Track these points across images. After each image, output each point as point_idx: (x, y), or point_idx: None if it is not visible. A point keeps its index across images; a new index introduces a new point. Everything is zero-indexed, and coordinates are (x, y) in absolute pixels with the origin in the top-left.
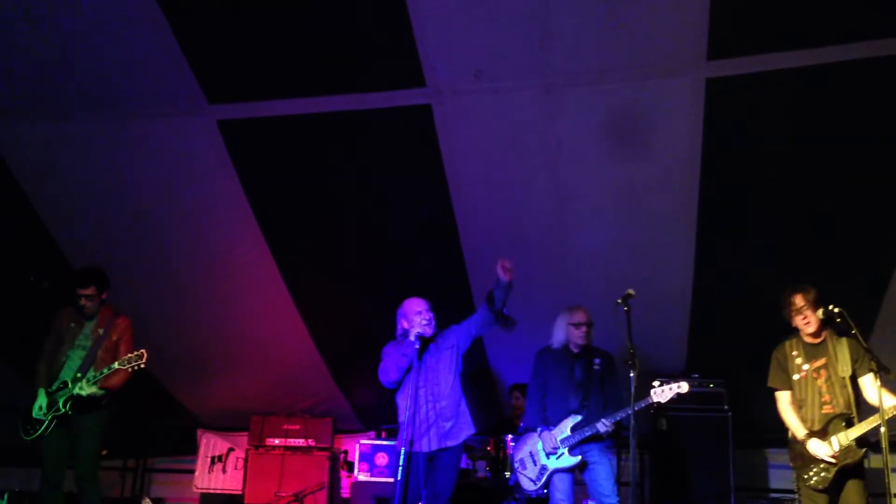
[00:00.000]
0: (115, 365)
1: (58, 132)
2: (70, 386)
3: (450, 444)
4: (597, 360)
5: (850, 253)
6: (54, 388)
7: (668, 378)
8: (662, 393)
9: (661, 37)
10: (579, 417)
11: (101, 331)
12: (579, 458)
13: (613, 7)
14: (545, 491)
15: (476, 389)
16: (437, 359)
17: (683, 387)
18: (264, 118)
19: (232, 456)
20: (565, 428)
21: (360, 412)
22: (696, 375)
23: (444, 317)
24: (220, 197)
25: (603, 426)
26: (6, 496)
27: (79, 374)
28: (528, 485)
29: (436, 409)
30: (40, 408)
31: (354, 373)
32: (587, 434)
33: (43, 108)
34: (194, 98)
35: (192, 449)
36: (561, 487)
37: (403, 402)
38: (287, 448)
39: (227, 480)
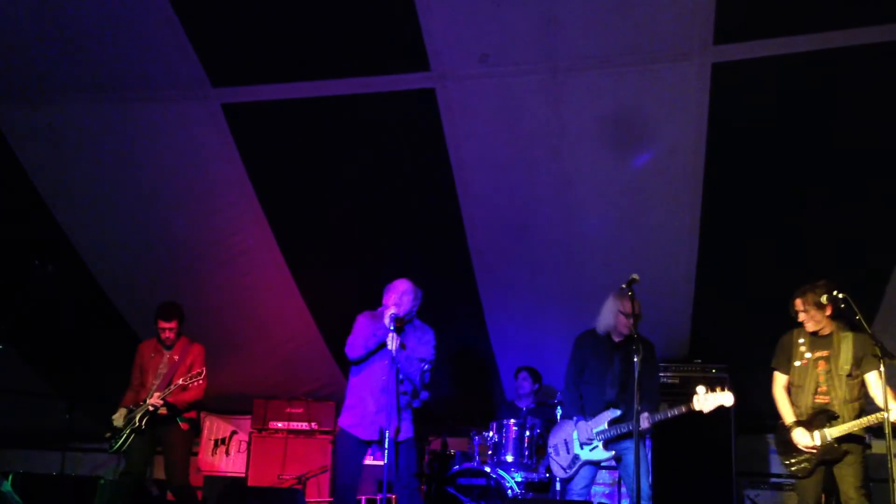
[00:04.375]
0: (179, 381)
1: (61, 116)
2: (144, 404)
3: (402, 438)
4: (635, 352)
5: (854, 241)
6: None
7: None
8: (706, 402)
9: (667, 21)
10: (618, 412)
11: (176, 358)
12: (613, 453)
13: None
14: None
15: (478, 373)
16: (411, 350)
17: (728, 399)
18: (268, 102)
19: (235, 439)
20: (602, 421)
21: None
22: (699, 361)
23: (447, 301)
24: (223, 180)
25: (642, 424)
26: (10, 478)
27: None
28: (558, 471)
29: (386, 403)
30: (118, 418)
31: None
32: (623, 431)
33: (46, 91)
34: (198, 82)
35: (196, 432)
36: (584, 476)
37: (358, 381)
38: (290, 431)
39: (230, 463)
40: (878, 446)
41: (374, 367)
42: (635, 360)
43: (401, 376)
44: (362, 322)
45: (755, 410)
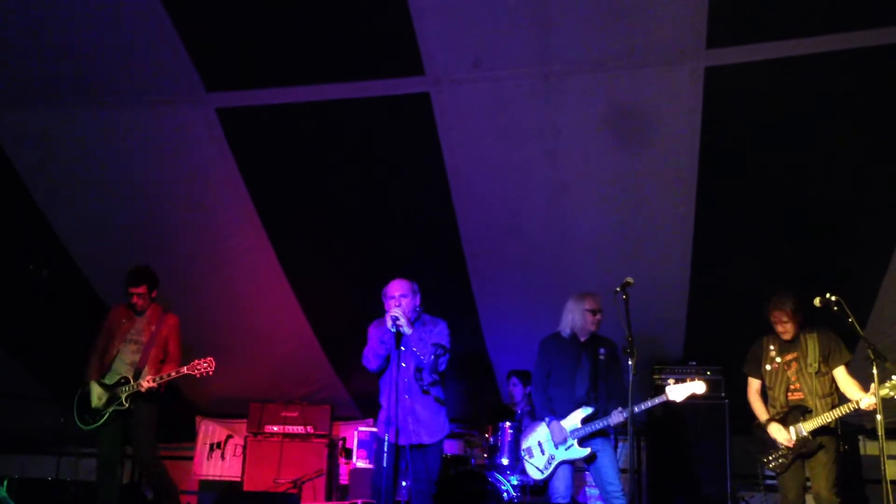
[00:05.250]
0: (184, 370)
1: (55, 120)
2: (133, 383)
3: (426, 441)
4: (602, 350)
5: (847, 244)
6: (112, 382)
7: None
8: (678, 392)
9: (661, 25)
10: (591, 410)
11: (153, 327)
12: (589, 450)
13: None
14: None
15: (474, 376)
16: (419, 349)
17: (699, 387)
18: (263, 106)
19: (231, 443)
20: (576, 419)
21: (359, 399)
22: (694, 363)
23: (443, 305)
24: (218, 185)
25: (616, 419)
26: (5, 483)
27: (138, 370)
28: (534, 473)
29: (411, 406)
30: (99, 398)
31: (352, 360)
32: (598, 427)
33: (41, 96)
34: (193, 86)
35: (191, 436)
36: (563, 476)
37: (385, 387)
38: (286, 435)
39: (225, 467)
40: (871, 447)
41: (391, 370)
42: (630, 363)
43: (419, 364)
44: (372, 332)
45: (750, 412)
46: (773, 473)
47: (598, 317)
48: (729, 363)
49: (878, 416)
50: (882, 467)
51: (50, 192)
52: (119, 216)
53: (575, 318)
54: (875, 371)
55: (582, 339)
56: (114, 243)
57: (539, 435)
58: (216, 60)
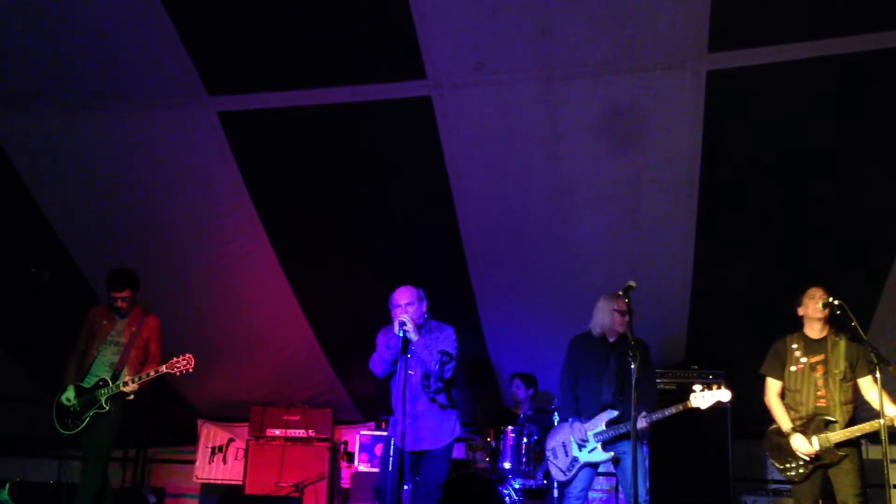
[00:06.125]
0: (163, 368)
1: (57, 122)
2: (112, 385)
3: (429, 447)
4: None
5: (849, 247)
6: (91, 384)
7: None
8: (703, 399)
9: (662, 29)
10: (616, 413)
11: (133, 329)
12: (612, 454)
13: None
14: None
15: (475, 380)
16: (424, 356)
17: (725, 395)
18: (265, 109)
19: (232, 446)
20: (600, 422)
21: (360, 403)
22: (696, 367)
23: (444, 309)
24: (220, 188)
25: (639, 423)
26: (7, 486)
27: (117, 371)
28: (557, 474)
29: (417, 413)
30: (68, 399)
31: (354, 364)
32: (622, 431)
33: (43, 97)
34: (195, 89)
35: (193, 439)
36: (582, 479)
37: (394, 391)
38: (287, 439)
39: (227, 471)
40: (874, 451)
41: (398, 375)
42: (632, 367)
43: (426, 371)
44: (380, 339)
45: (752, 415)
46: (780, 477)
47: (627, 318)
48: (731, 366)
49: (882, 420)
50: (885, 472)
51: (51, 193)
52: (120, 218)
53: (604, 317)
54: (878, 375)
55: (611, 340)
56: (115, 245)
57: (563, 436)
58: (219, 64)
